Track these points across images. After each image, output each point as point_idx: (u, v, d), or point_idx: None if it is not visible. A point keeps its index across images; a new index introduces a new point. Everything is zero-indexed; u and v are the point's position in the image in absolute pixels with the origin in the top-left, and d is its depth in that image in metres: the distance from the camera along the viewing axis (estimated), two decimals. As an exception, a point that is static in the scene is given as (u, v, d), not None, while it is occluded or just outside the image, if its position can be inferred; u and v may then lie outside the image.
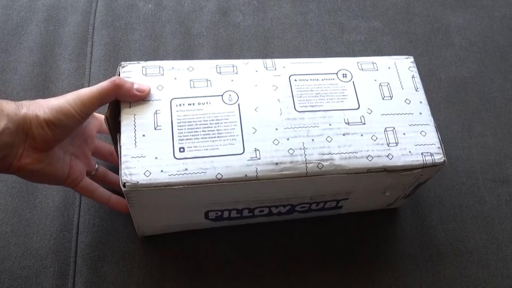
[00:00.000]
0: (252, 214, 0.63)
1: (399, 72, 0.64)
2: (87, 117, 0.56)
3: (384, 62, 0.65)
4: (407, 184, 0.63)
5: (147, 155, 0.54)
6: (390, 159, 0.57)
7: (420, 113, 0.61)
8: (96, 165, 0.67)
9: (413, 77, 0.64)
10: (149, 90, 0.57)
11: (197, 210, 0.61)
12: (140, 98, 0.57)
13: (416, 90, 0.63)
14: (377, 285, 0.69)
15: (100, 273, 0.67)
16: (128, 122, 0.56)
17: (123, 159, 0.53)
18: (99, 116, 0.66)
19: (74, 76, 0.81)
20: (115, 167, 0.55)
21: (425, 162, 0.58)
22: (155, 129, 0.55)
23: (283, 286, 0.68)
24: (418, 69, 0.65)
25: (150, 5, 0.89)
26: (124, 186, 0.52)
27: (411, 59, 0.67)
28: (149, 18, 0.88)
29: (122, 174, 0.52)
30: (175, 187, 0.53)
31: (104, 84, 0.55)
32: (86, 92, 0.54)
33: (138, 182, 0.52)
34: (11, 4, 0.88)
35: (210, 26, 0.88)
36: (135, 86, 0.56)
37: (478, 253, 0.72)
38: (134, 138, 0.55)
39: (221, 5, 0.91)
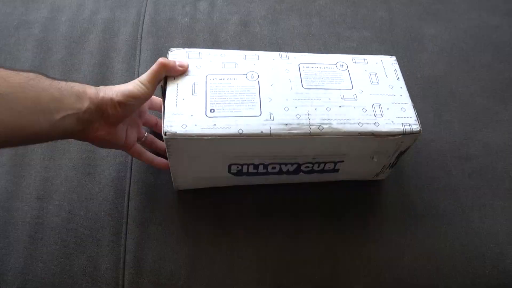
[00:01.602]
0: (266, 170, 0.63)
1: (384, 66, 0.66)
2: (149, 97, 0.59)
3: (373, 58, 0.67)
4: (391, 151, 0.63)
5: (185, 113, 0.56)
6: (377, 126, 0.58)
7: (401, 95, 0.63)
8: (146, 134, 0.69)
9: (395, 70, 0.66)
10: (188, 66, 0.60)
11: (222, 162, 0.62)
12: (182, 72, 0.60)
13: (397, 79, 0.65)
14: (366, 241, 0.69)
15: (147, 232, 0.67)
16: (171, 88, 0.59)
17: (165, 115, 0.55)
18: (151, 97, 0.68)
19: (126, 75, 0.81)
20: (161, 136, 0.55)
21: (404, 130, 0.59)
22: (192, 94, 0.58)
23: (292, 240, 0.68)
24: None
25: (186, 18, 0.88)
26: (165, 134, 0.54)
27: (394, 58, 0.69)
28: (185, 28, 0.87)
29: (164, 126, 0.54)
30: (205, 138, 0.54)
31: (154, 67, 0.58)
32: (144, 77, 0.58)
33: (176, 132, 0.54)
34: (75, 18, 0.88)
35: (234, 35, 0.87)
36: (177, 63, 0.60)
37: (447, 215, 0.71)
38: (176, 100, 0.57)
39: (243, 19, 0.90)
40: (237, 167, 0.63)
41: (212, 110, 0.56)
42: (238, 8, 0.91)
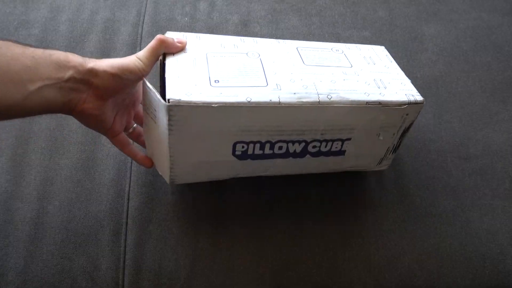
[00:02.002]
0: (272, 152, 0.60)
1: (376, 52, 0.70)
2: (146, 73, 0.56)
3: (364, 46, 0.70)
4: (397, 125, 0.63)
5: (188, 83, 0.53)
6: (383, 96, 0.59)
7: (397, 74, 0.65)
8: (135, 125, 0.66)
9: (386, 55, 0.70)
10: (186, 43, 0.59)
11: (227, 139, 0.57)
12: (181, 48, 0.58)
13: (391, 62, 0.68)
14: (366, 241, 0.68)
15: (146, 231, 0.67)
16: (172, 61, 0.56)
17: (167, 84, 0.52)
18: None
19: (126, 74, 0.80)
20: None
21: (409, 100, 0.59)
22: (193, 67, 0.56)
23: (292, 240, 0.67)
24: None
25: (186, 18, 0.88)
26: (168, 101, 0.50)
27: (383, 47, 0.72)
28: (185, 28, 0.87)
29: (166, 94, 0.51)
30: (213, 105, 0.51)
31: (152, 43, 0.56)
32: (142, 53, 0.55)
33: (180, 99, 0.50)
34: (76, 18, 0.87)
35: (234, 35, 0.86)
36: (176, 39, 0.58)
37: (447, 215, 0.71)
38: (177, 71, 0.55)
39: (243, 18, 0.89)
40: (243, 147, 0.58)
41: (217, 81, 0.54)
42: (238, 8, 0.91)
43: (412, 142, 0.77)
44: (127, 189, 0.70)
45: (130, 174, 0.71)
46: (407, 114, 0.61)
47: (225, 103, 0.51)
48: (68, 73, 0.50)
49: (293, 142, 0.60)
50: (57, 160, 0.71)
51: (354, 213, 0.70)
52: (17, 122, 0.74)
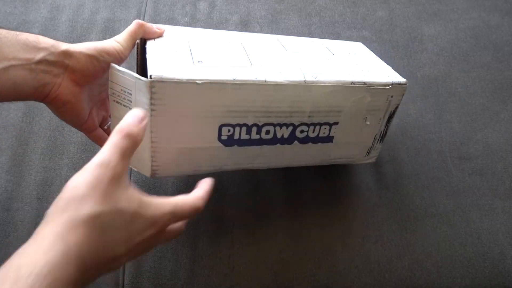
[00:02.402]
0: (259, 137, 0.57)
1: (355, 46, 0.72)
2: (124, 57, 0.54)
3: (343, 42, 0.73)
4: (382, 109, 0.63)
5: (171, 63, 0.50)
6: (367, 77, 0.59)
7: (378, 62, 0.66)
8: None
9: (365, 48, 0.72)
10: (165, 30, 0.59)
11: (213, 122, 0.54)
12: (159, 34, 0.58)
13: (371, 54, 0.70)
14: (366, 241, 0.68)
15: None
16: (153, 44, 0.55)
17: (149, 62, 0.50)
18: None
19: (126, 74, 0.80)
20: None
21: (393, 81, 0.60)
22: (175, 49, 0.54)
23: (292, 239, 0.67)
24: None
25: (186, 18, 0.88)
26: (150, 77, 0.46)
27: (361, 43, 0.74)
28: (185, 28, 0.87)
29: (148, 71, 0.48)
30: (197, 82, 0.48)
31: (130, 26, 0.55)
32: (120, 35, 0.54)
33: (163, 75, 0.47)
34: (76, 18, 0.87)
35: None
36: (154, 26, 0.58)
37: (447, 215, 0.71)
38: (158, 52, 0.53)
39: (243, 18, 0.89)
40: (229, 130, 0.55)
41: (200, 62, 0.52)
42: (238, 8, 0.91)
43: (412, 142, 0.77)
44: (127, 189, 0.69)
45: (130, 174, 0.71)
46: (391, 96, 0.62)
47: (210, 80, 0.49)
48: (40, 55, 0.47)
49: (281, 126, 0.58)
50: (57, 160, 0.71)
51: (354, 213, 0.70)
52: (17, 122, 0.74)
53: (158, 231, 0.41)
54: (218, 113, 0.53)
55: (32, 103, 0.76)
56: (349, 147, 0.66)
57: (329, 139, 0.62)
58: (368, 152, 0.68)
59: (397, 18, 0.92)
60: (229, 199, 0.69)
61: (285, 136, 0.59)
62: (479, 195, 0.73)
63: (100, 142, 0.61)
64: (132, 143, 0.40)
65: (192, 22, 0.87)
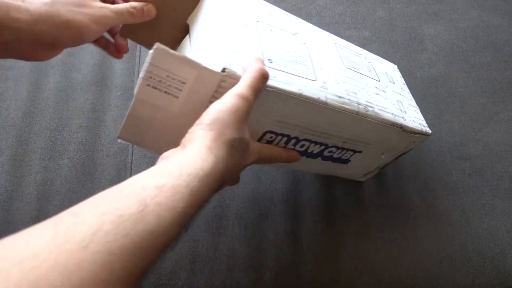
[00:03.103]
0: (293, 148, 0.56)
1: (392, 70, 0.71)
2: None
3: (383, 61, 0.71)
4: (400, 149, 0.64)
5: (242, 54, 0.46)
6: (404, 121, 0.59)
7: (411, 99, 0.66)
8: None
9: (400, 76, 0.71)
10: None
11: (261, 126, 0.51)
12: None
13: (404, 85, 0.68)
14: (368, 240, 0.69)
15: None
16: (211, 23, 0.49)
17: (220, 48, 0.46)
18: None
19: (126, 74, 0.81)
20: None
21: (421, 130, 0.60)
22: (245, 36, 0.49)
23: (292, 239, 0.67)
24: (399, 69, 0.70)
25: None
26: (223, 71, 0.43)
27: (396, 66, 0.74)
28: (185, 28, 0.86)
29: (218, 61, 0.44)
30: (267, 88, 0.46)
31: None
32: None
33: (236, 73, 0.44)
34: (76, 18, 0.87)
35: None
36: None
37: (447, 215, 0.71)
38: (229, 33, 0.48)
39: (242, 18, 0.89)
40: (271, 137, 0.54)
41: (270, 61, 0.49)
42: (238, 8, 0.91)
43: (412, 142, 0.77)
44: (127, 189, 0.69)
45: (130, 174, 0.71)
46: (414, 142, 0.62)
47: (279, 89, 0.47)
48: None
49: (316, 143, 0.57)
50: (57, 160, 0.71)
51: (354, 213, 0.70)
52: (17, 122, 0.74)
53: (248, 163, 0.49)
54: (270, 120, 0.51)
55: (32, 103, 0.76)
56: (355, 169, 0.68)
57: (346, 161, 0.64)
58: (366, 174, 0.70)
59: (397, 18, 0.92)
60: (229, 199, 0.69)
61: (314, 152, 0.59)
62: (479, 195, 0.73)
63: (109, 49, 0.59)
64: (262, 86, 0.44)
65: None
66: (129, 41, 0.84)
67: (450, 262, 0.67)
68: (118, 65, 0.82)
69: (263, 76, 0.44)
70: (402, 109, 0.61)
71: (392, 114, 0.58)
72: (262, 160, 0.51)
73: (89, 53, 0.82)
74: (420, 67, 0.86)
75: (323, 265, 0.66)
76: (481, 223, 0.70)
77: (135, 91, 0.43)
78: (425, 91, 0.82)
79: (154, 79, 0.42)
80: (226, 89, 0.43)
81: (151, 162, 0.71)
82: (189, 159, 0.38)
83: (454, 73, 0.85)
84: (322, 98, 0.50)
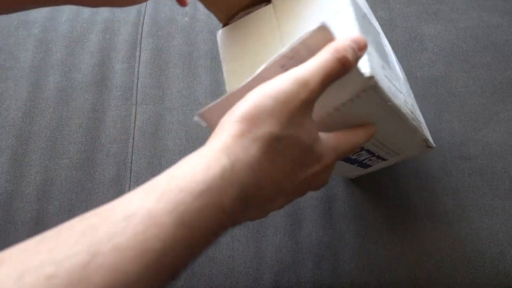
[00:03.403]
0: (349, 157, 0.52)
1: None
2: None
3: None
4: (406, 157, 0.63)
5: (373, 54, 0.38)
6: (428, 136, 0.58)
7: (420, 110, 0.66)
8: None
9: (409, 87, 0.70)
10: None
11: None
12: None
13: (412, 95, 0.67)
14: (367, 239, 0.68)
15: None
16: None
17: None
18: None
19: (126, 74, 0.81)
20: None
21: (430, 145, 0.59)
22: (366, 29, 0.40)
23: (292, 240, 0.67)
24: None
25: (186, 18, 0.88)
26: (370, 79, 0.34)
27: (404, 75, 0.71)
28: (186, 28, 0.87)
29: (367, 64, 0.35)
30: (388, 103, 0.38)
31: None
32: None
33: (378, 83, 0.35)
34: (75, 18, 0.87)
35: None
36: None
37: (447, 215, 0.71)
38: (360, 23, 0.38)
39: (242, 18, 0.89)
40: None
41: (384, 67, 0.41)
42: (238, 8, 0.91)
43: (412, 142, 0.77)
44: (127, 189, 0.70)
45: (130, 174, 0.71)
46: (421, 152, 0.62)
47: (395, 105, 0.39)
48: None
49: (368, 152, 0.53)
50: (57, 160, 0.71)
51: (354, 213, 0.70)
52: (17, 122, 0.74)
53: (320, 171, 0.34)
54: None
55: (32, 103, 0.76)
56: (361, 172, 0.68)
57: (366, 166, 0.62)
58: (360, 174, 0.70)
59: (397, 18, 0.92)
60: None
61: (359, 159, 0.56)
62: (479, 195, 0.73)
63: None
64: (340, 71, 0.32)
65: (193, 22, 0.87)
66: (129, 41, 0.84)
67: (450, 262, 0.67)
68: (118, 65, 0.82)
69: (340, 59, 0.31)
70: (422, 121, 0.58)
71: (424, 129, 0.57)
72: (340, 157, 0.38)
73: (89, 53, 0.82)
74: (420, 67, 0.86)
75: (323, 265, 0.66)
76: (481, 223, 0.70)
77: (259, 70, 0.33)
78: (425, 91, 0.82)
79: (295, 59, 0.34)
80: (361, 99, 0.36)
81: (151, 162, 0.71)
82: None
83: (454, 73, 0.85)
84: (408, 115, 0.44)
